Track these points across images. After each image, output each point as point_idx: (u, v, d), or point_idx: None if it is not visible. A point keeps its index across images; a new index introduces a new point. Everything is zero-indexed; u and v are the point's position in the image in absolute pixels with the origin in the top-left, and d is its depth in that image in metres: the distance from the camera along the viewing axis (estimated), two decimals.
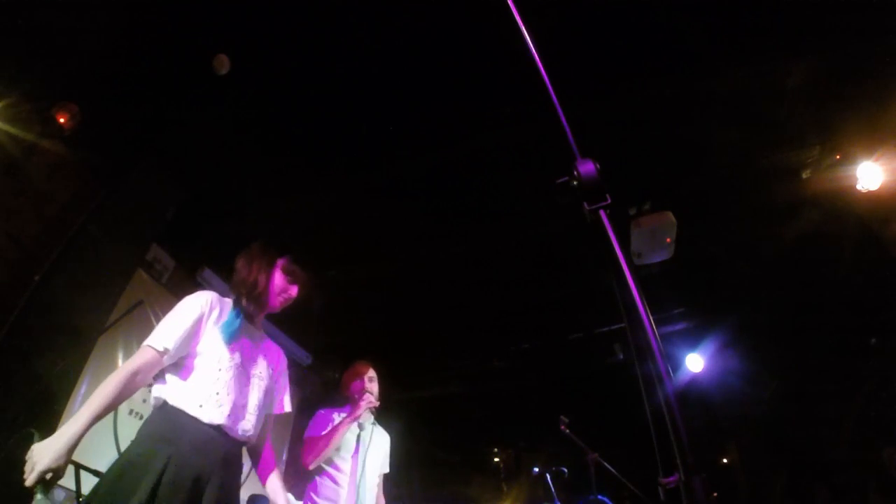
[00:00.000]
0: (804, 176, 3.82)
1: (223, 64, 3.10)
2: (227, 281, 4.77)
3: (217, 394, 1.65)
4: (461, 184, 3.95)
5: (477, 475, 7.85)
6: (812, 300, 4.92)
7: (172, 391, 1.63)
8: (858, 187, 3.59)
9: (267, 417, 1.87)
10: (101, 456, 3.29)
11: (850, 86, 3.27)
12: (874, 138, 3.50)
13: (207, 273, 4.50)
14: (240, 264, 1.93)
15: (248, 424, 1.71)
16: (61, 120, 3.06)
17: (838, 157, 3.69)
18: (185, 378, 1.66)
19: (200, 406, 1.62)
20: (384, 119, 3.51)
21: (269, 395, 1.86)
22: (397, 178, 3.88)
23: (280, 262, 1.94)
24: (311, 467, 2.54)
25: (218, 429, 1.63)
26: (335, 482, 2.55)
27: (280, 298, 1.90)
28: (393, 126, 3.54)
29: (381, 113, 3.49)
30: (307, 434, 2.63)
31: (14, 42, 2.84)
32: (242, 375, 1.75)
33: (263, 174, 3.83)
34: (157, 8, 2.89)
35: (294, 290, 1.94)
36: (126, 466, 1.48)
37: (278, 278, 1.92)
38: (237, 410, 1.69)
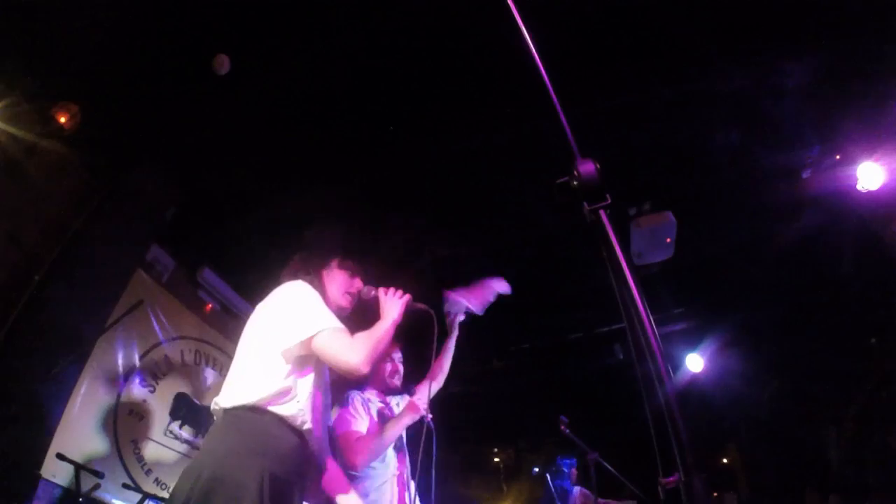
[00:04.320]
0: (804, 176, 3.82)
1: (223, 64, 3.09)
2: (227, 281, 4.79)
3: (298, 400, 1.56)
4: (461, 184, 3.95)
5: (477, 475, 7.85)
6: (812, 300, 4.92)
7: (261, 392, 1.51)
8: (858, 187, 3.60)
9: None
10: (102, 456, 3.29)
11: (850, 86, 3.27)
12: (874, 138, 3.50)
13: (207, 273, 4.50)
14: (293, 276, 1.86)
15: (319, 430, 1.68)
16: (61, 120, 3.06)
17: (838, 157, 3.69)
18: (278, 377, 1.54)
19: (297, 403, 1.54)
20: (384, 119, 3.51)
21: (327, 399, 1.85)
22: (396, 178, 3.88)
23: (334, 261, 1.94)
24: (361, 470, 2.22)
25: (301, 435, 1.57)
26: (382, 483, 2.28)
27: (348, 297, 1.89)
28: (393, 126, 3.54)
29: (380, 113, 3.48)
30: (348, 428, 2.30)
31: (14, 42, 2.84)
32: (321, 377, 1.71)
33: (264, 174, 3.83)
34: (157, 7, 2.89)
35: (359, 282, 1.94)
36: (215, 485, 1.33)
37: (341, 276, 1.91)
38: (318, 412, 1.65)
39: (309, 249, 1.99)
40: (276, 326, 1.61)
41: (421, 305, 1.97)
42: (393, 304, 1.83)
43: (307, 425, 1.57)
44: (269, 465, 1.40)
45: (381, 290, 1.91)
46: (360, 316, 1.91)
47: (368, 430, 2.29)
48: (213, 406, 1.58)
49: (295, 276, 1.85)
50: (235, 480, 1.35)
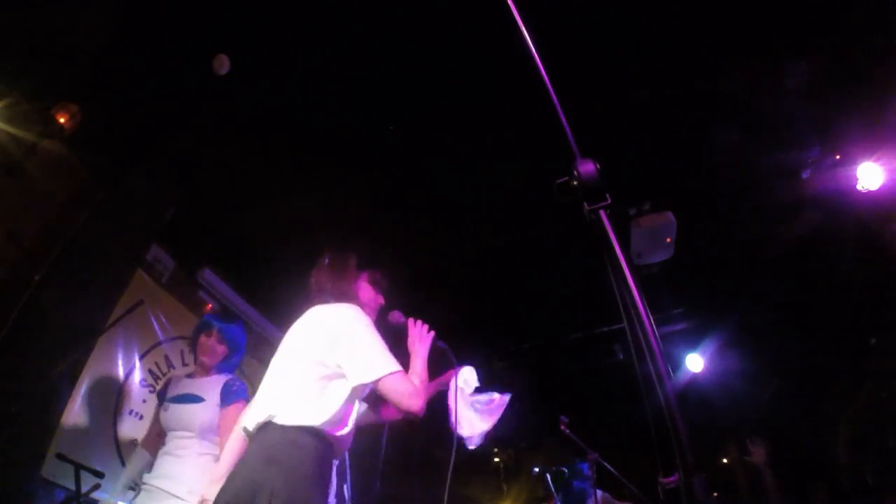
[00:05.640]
0: (804, 176, 3.82)
1: (223, 64, 3.09)
2: (227, 281, 4.79)
3: (348, 425, 1.70)
4: (461, 184, 3.95)
5: (477, 475, 7.83)
6: (812, 300, 4.92)
7: (322, 416, 1.62)
8: (858, 187, 3.59)
9: None
10: (101, 456, 3.29)
11: (850, 86, 3.27)
12: (874, 138, 3.50)
13: (207, 273, 4.50)
14: (333, 278, 1.98)
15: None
16: (61, 120, 3.06)
17: (838, 157, 3.69)
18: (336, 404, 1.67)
19: (346, 428, 1.68)
20: (384, 119, 3.51)
21: None
22: (397, 178, 3.88)
23: (364, 274, 2.08)
24: None
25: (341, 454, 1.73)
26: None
27: (373, 312, 2.02)
28: (392, 126, 3.54)
29: (380, 113, 3.48)
30: None
31: (14, 42, 2.84)
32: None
33: (264, 174, 3.83)
34: (157, 8, 2.89)
35: (381, 299, 2.10)
36: None
37: (368, 290, 2.06)
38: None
39: (345, 255, 2.07)
40: (343, 359, 1.69)
41: (442, 344, 2.10)
42: (422, 341, 1.99)
43: (348, 447, 1.73)
44: (330, 490, 1.54)
45: (410, 321, 2.06)
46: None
47: None
48: (265, 419, 1.63)
49: (334, 282, 1.95)
50: None
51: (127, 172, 3.57)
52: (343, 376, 1.68)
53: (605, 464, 3.83)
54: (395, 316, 2.11)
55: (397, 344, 1.92)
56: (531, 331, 5.74)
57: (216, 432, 2.41)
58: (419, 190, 3.99)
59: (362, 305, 1.92)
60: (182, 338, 4.22)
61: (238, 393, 2.46)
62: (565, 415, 3.85)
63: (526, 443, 8.07)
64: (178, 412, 2.44)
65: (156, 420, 2.62)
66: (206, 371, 2.60)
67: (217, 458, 2.20)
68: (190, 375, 2.65)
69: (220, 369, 2.63)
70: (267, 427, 1.61)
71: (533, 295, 5.14)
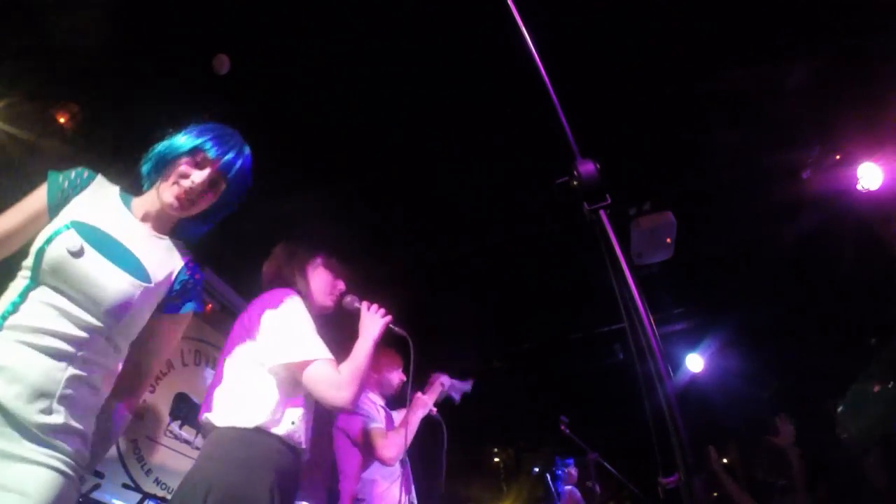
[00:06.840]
0: (804, 176, 3.82)
1: (223, 64, 3.09)
2: (227, 281, 4.79)
3: (293, 421, 1.57)
4: (460, 184, 3.95)
5: (477, 475, 7.84)
6: (812, 300, 4.92)
7: (261, 416, 1.51)
8: (858, 187, 3.60)
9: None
10: None
11: (850, 86, 3.27)
12: (874, 138, 3.50)
13: (207, 273, 4.50)
14: (277, 269, 1.85)
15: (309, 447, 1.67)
16: (61, 120, 3.06)
17: (838, 157, 3.69)
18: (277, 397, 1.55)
19: (292, 424, 1.54)
20: (383, 119, 3.51)
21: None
22: (396, 178, 3.88)
23: (318, 258, 1.89)
24: (394, 463, 2.32)
25: (297, 453, 1.57)
26: (392, 484, 2.35)
27: (331, 297, 1.86)
28: (392, 126, 3.54)
29: (379, 113, 3.49)
30: (371, 424, 2.35)
31: (14, 42, 2.84)
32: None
33: (263, 173, 3.82)
34: (157, 7, 2.89)
35: (342, 284, 1.91)
36: (227, 500, 1.34)
37: (323, 275, 1.87)
38: (309, 430, 1.65)
39: (295, 242, 1.93)
40: (267, 343, 1.58)
41: (399, 330, 1.95)
42: (373, 323, 1.77)
43: (303, 444, 1.59)
44: (277, 479, 1.42)
45: (365, 304, 1.85)
46: (338, 319, 1.90)
47: (385, 427, 2.39)
48: (205, 419, 1.58)
49: (279, 270, 1.82)
50: (248, 495, 1.36)
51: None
52: (269, 364, 1.56)
53: (606, 464, 3.83)
54: (349, 300, 1.89)
55: (351, 331, 1.78)
56: (531, 331, 5.74)
57: (130, 336, 1.32)
58: (419, 190, 3.99)
59: (308, 291, 1.79)
60: (182, 338, 4.21)
61: (195, 295, 1.54)
62: (565, 415, 3.85)
63: (526, 443, 8.07)
64: (99, 272, 1.27)
65: (22, 228, 1.40)
66: (164, 223, 1.50)
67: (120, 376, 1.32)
68: (123, 205, 1.48)
69: (185, 230, 1.60)
70: (207, 427, 1.58)
71: (533, 295, 5.14)
